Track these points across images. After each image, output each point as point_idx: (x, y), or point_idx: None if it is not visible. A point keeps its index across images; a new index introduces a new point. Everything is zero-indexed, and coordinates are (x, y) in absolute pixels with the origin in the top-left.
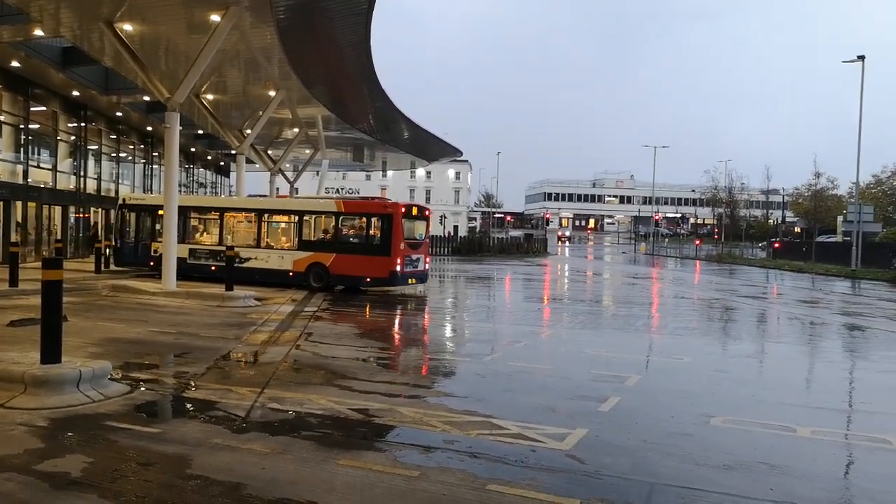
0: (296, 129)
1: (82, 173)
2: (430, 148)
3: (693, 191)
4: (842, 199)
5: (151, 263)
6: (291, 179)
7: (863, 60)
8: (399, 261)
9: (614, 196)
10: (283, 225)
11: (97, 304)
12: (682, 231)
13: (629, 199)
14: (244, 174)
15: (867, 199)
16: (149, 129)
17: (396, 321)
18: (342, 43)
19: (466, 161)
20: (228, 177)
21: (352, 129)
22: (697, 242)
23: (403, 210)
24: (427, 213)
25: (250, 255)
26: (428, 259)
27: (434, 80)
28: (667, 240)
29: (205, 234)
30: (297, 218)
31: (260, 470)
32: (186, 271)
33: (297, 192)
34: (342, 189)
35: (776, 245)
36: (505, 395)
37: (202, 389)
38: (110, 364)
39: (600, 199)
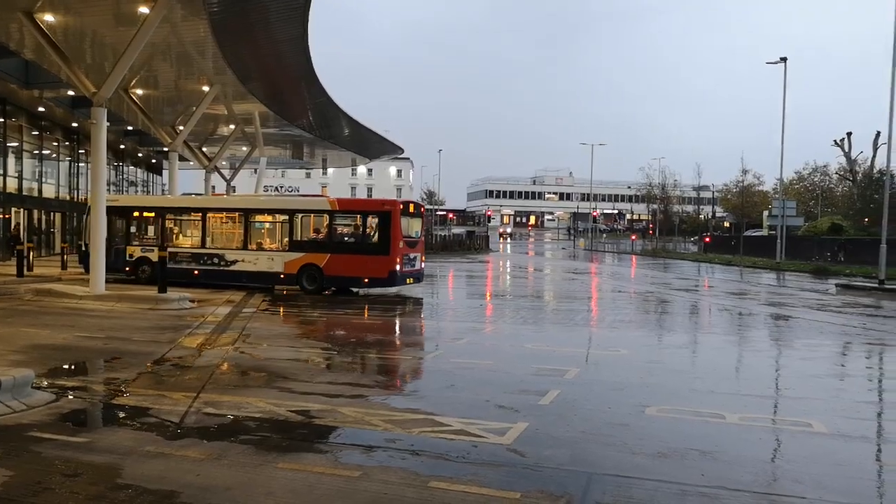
0: (232, 126)
1: (1, 171)
2: (371, 145)
3: (629, 187)
4: (767, 194)
5: (127, 269)
6: (228, 177)
7: (785, 62)
8: (398, 260)
9: (554, 193)
10: (271, 225)
11: (19, 309)
12: (620, 227)
13: (568, 196)
14: (177, 172)
15: (791, 194)
16: (74, 125)
17: (337, 321)
18: (279, 38)
19: (408, 159)
20: (161, 175)
21: (291, 126)
22: (633, 238)
23: (401, 207)
24: (422, 210)
25: (237, 257)
26: (423, 258)
27: (375, 80)
28: (604, 235)
29: (186, 236)
30: (287, 217)
31: (195, 477)
32: (165, 275)
33: (234, 191)
34: (281, 187)
35: (707, 239)
36: (447, 391)
37: (133, 396)
38: (33, 372)
39: (540, 195)
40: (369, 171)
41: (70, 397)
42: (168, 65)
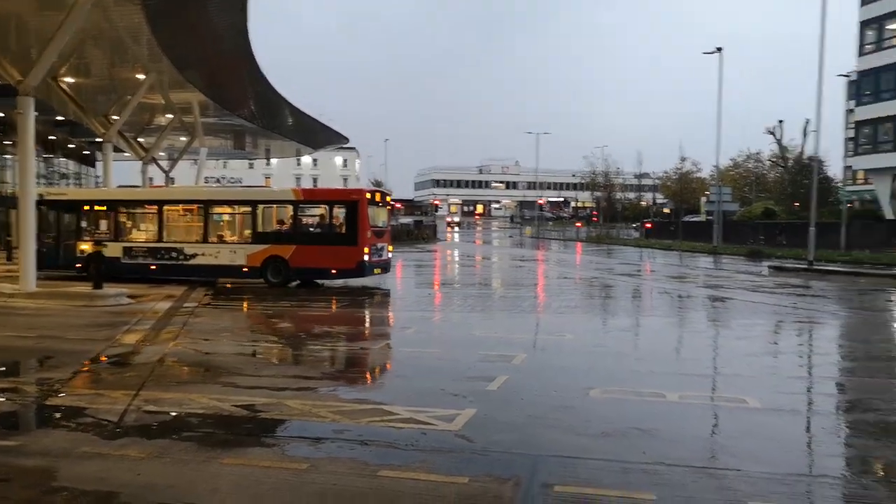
0: (170, 115)
1: None
2: (315, 135)
3: (574, 176)
4: (705, 181)
5: (78, 266)
6: (167, 169)
7: (720, 52)
8: (367, 250)
9: (500, 182)
10: (233, 217)
11: None
12: (565, 214)
13: (515, 185)
14: (111, 163)
15: (727, 181)
16: (0, 115)
17: (283, 313)
18: (218, 25)
19: (354, 148)
20: (94, 167)
21: (231, 116)
22: (578, 225)
23: (369, 196)
24: (388, 198)
25: (196, 250)
26: (390, 247)
27: (317, 72)
28: (551, 223)
29: (142, 230)
30: (249, 209)
31: (135, 476)
32: (122, 272)
33: (173, 182)
34: (223, 178)
35: (648, 225)
36: (396, 381)
37: (69, 396)
38: None
39: (487, 184)
40: (314, 161)
41: (1, 400)
42: (100, 52)
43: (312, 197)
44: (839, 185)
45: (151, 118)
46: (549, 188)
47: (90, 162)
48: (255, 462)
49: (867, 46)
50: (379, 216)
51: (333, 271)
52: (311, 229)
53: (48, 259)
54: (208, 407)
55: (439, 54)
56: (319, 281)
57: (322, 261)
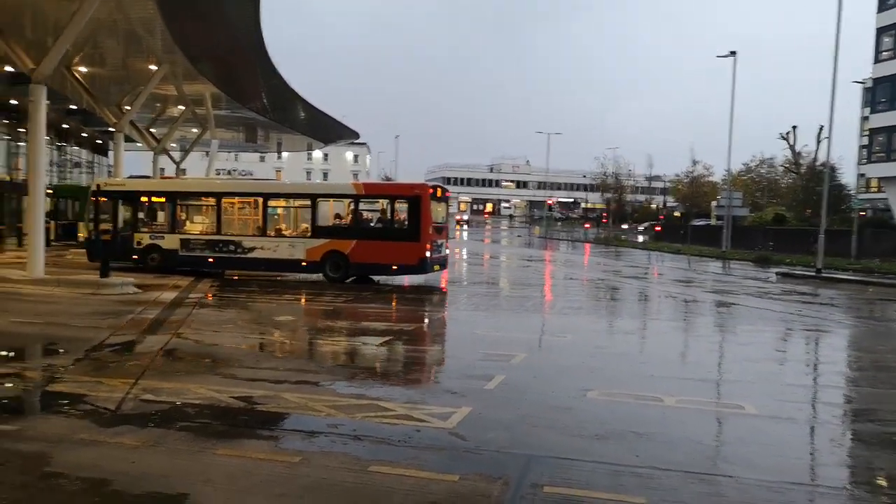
0: (182, 107)
1: None
2: (327, 130)
3: (584, 176)
4: (716, 185)
5: (135, 257)
6: (178, 160)
7: (734, 56)
8: (429, 246)
9: (511, 181)
10: (293, 211)
11: None
12: (575, 215)
13: (525, 184)
14: (123, 153)
15: (738, 185)
16: (13, 102)
17: (286, 307)
18: (231, 17)
19: (365, 144)
20: (106, 156)
21: (243, 109)
22: (587, 226)
23: (431, 191)
24: (448, 194)
25: (255, 244)
26: (448, 244)
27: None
28: (560, 223)
29: (200, 222)
30: (309, 202)
31: (129, 464)
32: (180, 264)
33: (184, 174)
34: (234, 171)
35: (657, 228)
36: (394, 377)
37: (69, 382)
38: None
39: (497, 183)
40: (325, 156)
41: (2, 384)
42: (114, 42)
43: (374, 191)
44: (852, 192)
45: (164, 109)
46: (559, 188)
47: (103, 151)
48: (250, 454)
49: (883, 53)
50: (439, 212)
51: (394, 267)
52: (372, 224)
53: (105, 250)
54: (206, 398)
55: (454, 52)
56: (375, 278)
57: (383, 256)
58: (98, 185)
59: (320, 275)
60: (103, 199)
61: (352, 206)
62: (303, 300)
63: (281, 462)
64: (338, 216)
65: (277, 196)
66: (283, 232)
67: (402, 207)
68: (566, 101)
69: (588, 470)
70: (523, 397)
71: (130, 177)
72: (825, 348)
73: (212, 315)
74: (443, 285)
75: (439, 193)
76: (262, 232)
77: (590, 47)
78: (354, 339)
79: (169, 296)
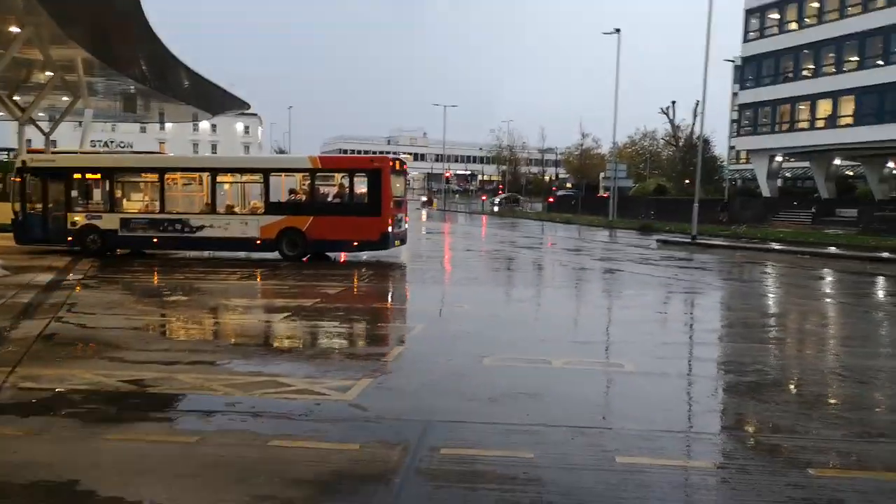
0: (50, 73)
1: None
2: (214, 100)
3: (480, 149)
4: (604, 157)
5: (70, 239)
6: (46, 130)
7: (619, 33)
8: (390, 220)
9: (409, 153)
10: (244, 186)
11: None
12: (472, 187)
13: (423, 157)
14: None
15: (624, 158)
16: None
17: (175, 285)
18: None
19: (256, 115)
20: None
21: (120, 76)
22: (483, 198)
23: (391, 164)
24: (406, 167)
25: (203, 222)
26: (407, 218)
27: (221, 35)
28: (457, 196)
29: (142, 200)
30: (261, 177)
31: (11, 455)
32: (120, 245)
33: (54, 145)
34: (111, 142)
35: (550, 200)
36: (292, 353)
37: None
38: None
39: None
40: (213, 127)
41: None
42: None
43: (331, 165)
44: (724, 164)
45: (29, 75)
46: (456, 161)
47: None
48: (143, 437)
49: (750, 34)
50: (398, 186)
51: (355, 243)
52: (330, 199)
53: (33, 231)
54: (92, 383)
55: (351, 23)
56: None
57: (342, 233)
58: (24, 162)
59: (276, 253)
60: (30, 176)
61: (307, 181)
62: (190, 279)
63: (176, 443)
64: (292, 191)
65: (226, 171)
66: (235, 209)
67: (360, 181)
68: (462, 74)
69: (481, 430)
70: (421, 366)
71: (54, 152)
72: (698, 309)
73: (94, 297)
74: (342, 259)
75: (398, 167)
76: (212, 209)
77: (486, 22)
78: (251, 316)
79: (45, 277)
